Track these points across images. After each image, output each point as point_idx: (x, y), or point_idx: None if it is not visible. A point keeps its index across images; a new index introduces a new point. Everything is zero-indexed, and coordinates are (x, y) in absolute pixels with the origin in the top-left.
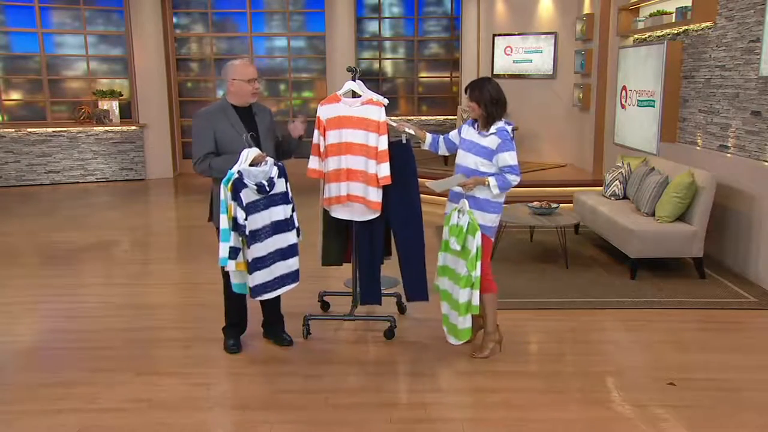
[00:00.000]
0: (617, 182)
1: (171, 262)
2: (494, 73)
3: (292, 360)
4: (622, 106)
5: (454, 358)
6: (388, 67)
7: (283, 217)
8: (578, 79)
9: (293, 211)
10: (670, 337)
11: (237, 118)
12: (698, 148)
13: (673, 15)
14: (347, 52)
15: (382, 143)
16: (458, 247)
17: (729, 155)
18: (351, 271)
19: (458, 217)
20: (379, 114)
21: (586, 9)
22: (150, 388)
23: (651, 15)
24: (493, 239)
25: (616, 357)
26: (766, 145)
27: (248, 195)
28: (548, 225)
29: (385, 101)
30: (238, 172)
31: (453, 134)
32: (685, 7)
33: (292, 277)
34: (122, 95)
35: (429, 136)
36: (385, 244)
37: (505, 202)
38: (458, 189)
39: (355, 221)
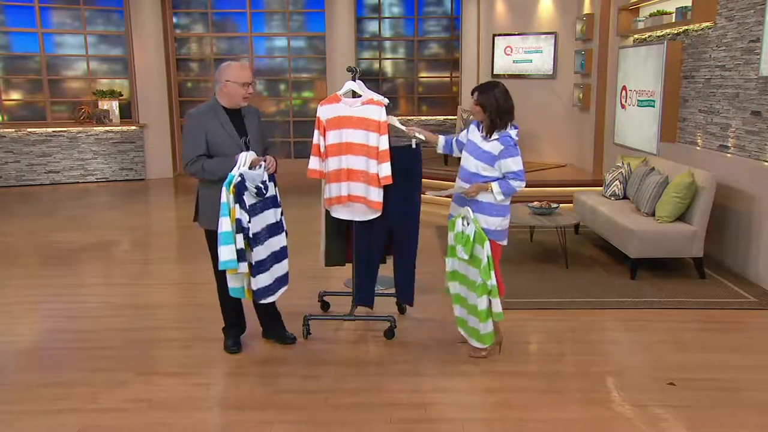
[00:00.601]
0: (617, 182)
1: (171, 262)
2: (494, 73)
3: (292, 360)
4: (622, 106)
5: (454, 358)
6: (388, 67)
7: (274, 220)
8: (578, 79)
9: (282, 214)
10: (670, 337)
11: (227, 119)
12: (698, 148)
13: (673, 15)
14: (347, 52)
15: (383, 143)
16: (466, 256)
17: (729, 155)
18: (351, 271)
19: (463, 225)
20: (379, 114)
21: (586, 9)
22: (150, 388)
23: (651, 15)
24: (503, 243)
25: (616, 357)
26: (766, 145)
27: (248, 198)
28: (548, 225)
29: (386, 101)
30: (240, 174)
31: (462, 135)
32: (685, 7)
33: (285, 279)
34: (122, 95)
35: (442, 139)
36: (386, 246)
37: None
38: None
39: (356, 221)
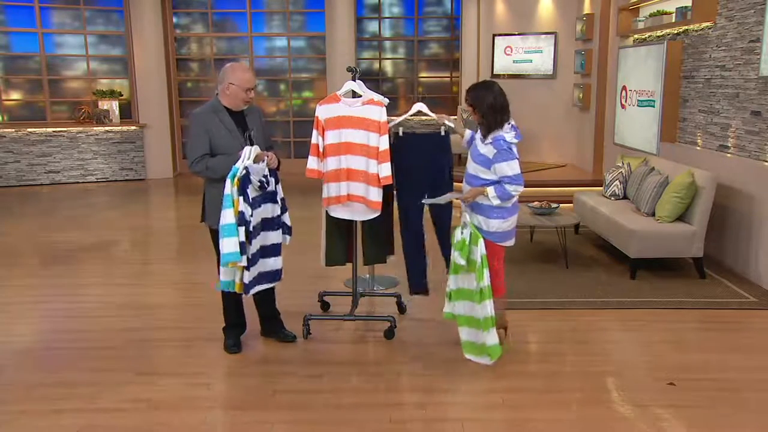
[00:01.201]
0: (617, 182)
1: (171, 262)
2: (494, 73)
3: (292, 360)
4: (622, 106)
5: (454, 359)
6: (388, 67)
7: (270, 215)
8: (578, 79)
9: (284, 212)
10: (670, 337)
11: (230, 119)
12: (698, 148)
13: (673, 15)
14: (347, 52)
15: (384, 143)
16: (462, 262)
17: (729, 155)
18: (351, 271)
19: (461, 232)
20: (380, 114)
21: (586, 9)
22: (150, 388)
23: (651, 15)
24: (503, 244)
25: (616, 357)
26: (766, 145)
27: (251, 191)
28: (548, 225)
29: (386, 101)
30: (245, 168)
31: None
32: (685, 7)
33: (273, 275)
34: (122, 95)
35: (468, 133)
36: (389, 243)
37: None
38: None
39: (402, 212)
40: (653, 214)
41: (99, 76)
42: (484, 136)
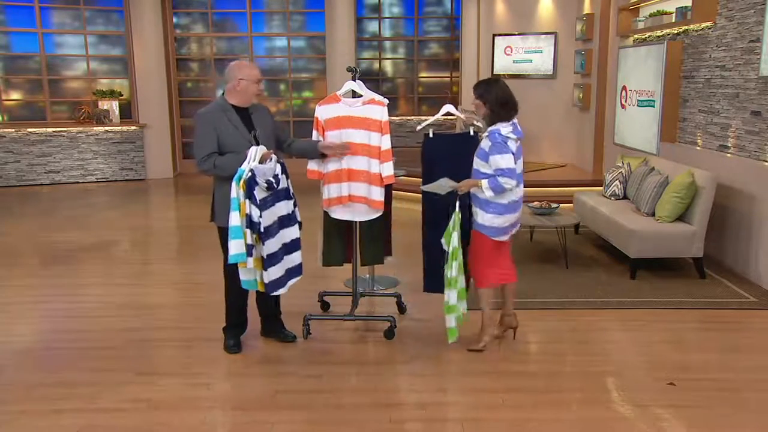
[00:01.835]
0: (617, 182)
1: (171, 262)
2: (494, 73)
3: (292, 360)
4: (622, 106)
5: (454, 358)
6: (388, 67)
7: (286, 213)
8: (578, 79)
9: (295, 206)
10: (670, 337)
11: (237, 117)
12: (698, 148)
13: (673, 15)
14: (347, 52)
15: (386, 143)
16: (446, 248)
17: (729, 155)
18: (351, 271)
19: (450, 221)
20: (381, 114)
21: (586, 9)
22: (150, 388)
23: (651, 15)
24: (495, 239)
25: (616, 357)
26: (766, 145)
27: (259, 192)
28: (548, 225)
29: (386, 101)
30: (250, 170)
31: None
32: (685, 7)
33: (297, 270)
34: (122, 95)
35: None
36: (387, 244)
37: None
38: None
39: (427, 213)
40: (653, 214)
41: (99, 76)
42: (489, 127)
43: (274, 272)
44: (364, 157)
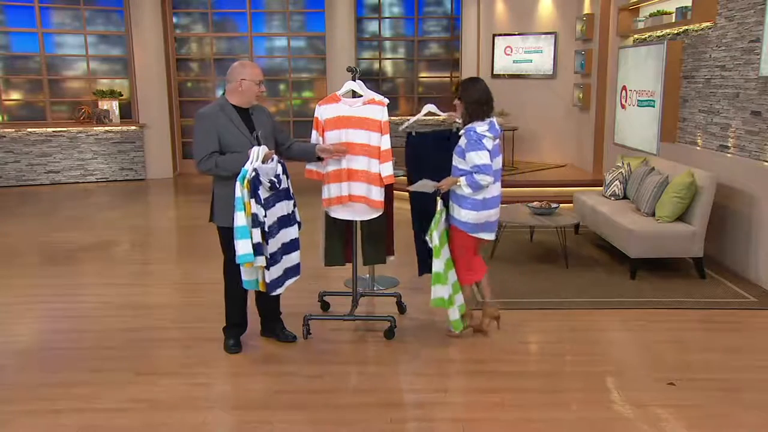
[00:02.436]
0: (617, 182)
1: (171, 262)
2: (494, 73)
3: (293, 360)
4: (622, 106)
5: (454, 358)
6: (388, 67)
7: (285, 213)
8: (578, 79)
9: (295, 206)
10: (670, 337)
11: (238, 117)
12: (698, 148)
13: (673, 15)
14: (347, 52)
15: (385, 143)
16: (431, 244)
17: (729, 155)
18: (351, 271)
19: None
20: (381, 114)
21: (586, 9)
22: (150, 388)
23: (651, 15)
24: (475, 235)
25: (616, 357)
26: (766, 145)
27: (262, 192)
28: (548, 225)
29: (386, 101)
30: (254, 169)
31: None
32: (685, 7)
33: (295, 270)
34: (122, 95)
35: None
36: (388, 244)
37: (505, 202)
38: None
39: (414, 203)
40: (653, 214)
41: (99, 76)
42: (463, 125)
43: (274, 272)
44: (364, 157)
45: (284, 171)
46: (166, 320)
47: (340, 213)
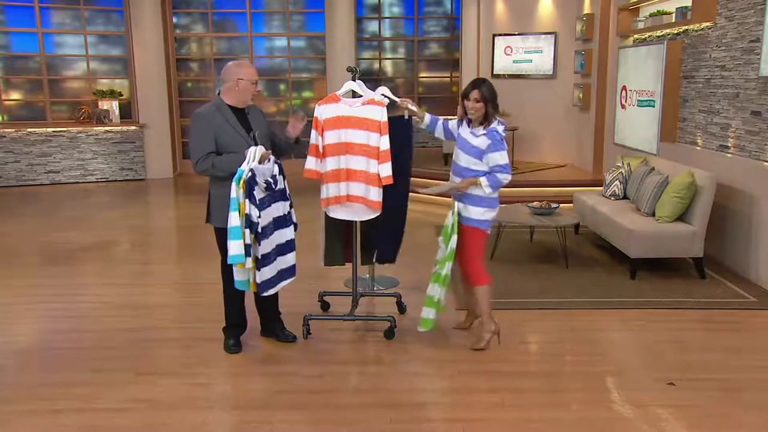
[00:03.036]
0: (617, 182)
1: (171, 262)
2: (494, 73)
3: (293, 360)
4: (622, 106)
5: (454, 358)
6: (388, 67)
7: (281, 213)
8: (578, 79)
9: (291, 207)
10: (670, 337)
11: (235, 118)
12: (698, 148)
13: (673, 15)
14: (347, 52)
15: (384, 143)
16: (442, 254)
17: (729, 155)
18: (351, 271)
19: (449, 221)
20: (381, 114)
21: (586, 9)
22: (150, 388)
23: (651, 15)
24: (487, 231)
25: (616, 357)
26: (766, 145)
27: (257, 193)
28: (548, 225)
29: (386, 101)
30: (250, 170)
31: (452, 124)
32: (685, 7)
33: (290, 271)
34: (122, 95)
35: (428, 116)
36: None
37: (505, 202)
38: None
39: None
40: (653, 214)
41: (99, 76)
42: (479, 128)
43: (267, 272)
44: (363, 157)
45: (281, 172)
46: (166, 320)
47: (338, 213)
